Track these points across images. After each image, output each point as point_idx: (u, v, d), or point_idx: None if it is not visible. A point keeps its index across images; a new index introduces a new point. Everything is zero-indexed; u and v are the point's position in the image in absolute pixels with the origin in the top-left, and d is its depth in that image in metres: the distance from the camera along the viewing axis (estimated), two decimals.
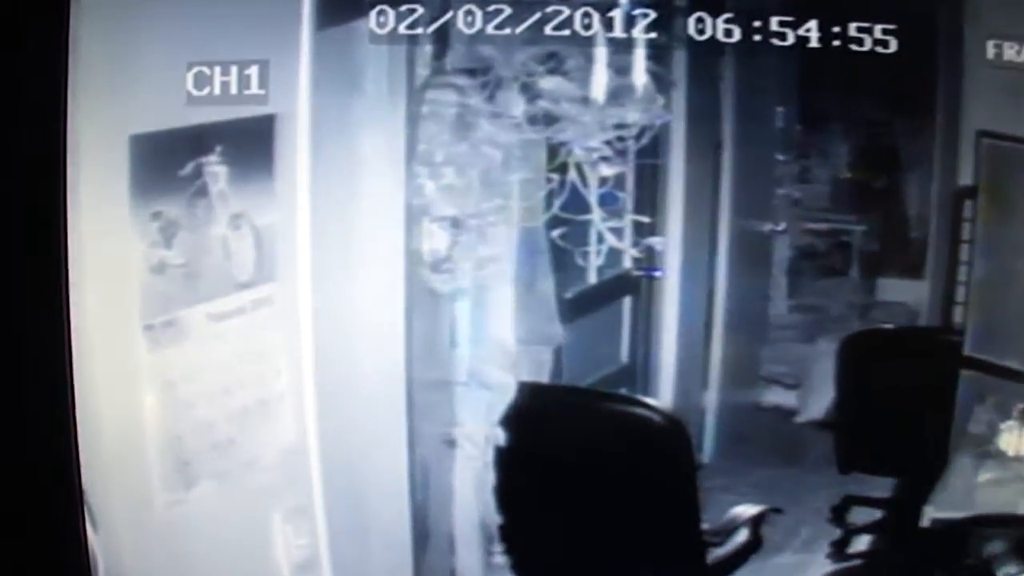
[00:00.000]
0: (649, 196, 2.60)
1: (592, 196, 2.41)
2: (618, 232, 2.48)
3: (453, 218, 2.27)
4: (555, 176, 2.38)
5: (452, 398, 2.32)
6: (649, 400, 2.43)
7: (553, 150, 2.37)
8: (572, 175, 2.38)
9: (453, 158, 2.25)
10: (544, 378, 2.42)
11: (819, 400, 2.56)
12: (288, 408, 2.12)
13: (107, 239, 1.98)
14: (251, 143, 2.06)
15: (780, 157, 2.67)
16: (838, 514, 2.40)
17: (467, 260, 2.29)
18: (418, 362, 2.25)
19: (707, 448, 2.65)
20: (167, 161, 2.01)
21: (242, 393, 2.08)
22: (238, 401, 2.08)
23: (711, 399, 2.68)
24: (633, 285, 2.68)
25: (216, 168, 2.04)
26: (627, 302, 2.72)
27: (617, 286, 2.68)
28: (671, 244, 2.62)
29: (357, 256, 2.18)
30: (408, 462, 2.24)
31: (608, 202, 2.45)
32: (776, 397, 2.68)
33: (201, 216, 2.04)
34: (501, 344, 2.33)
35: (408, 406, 2.24)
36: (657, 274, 2.63)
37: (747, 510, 2.35)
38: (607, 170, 2.39)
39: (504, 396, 2.31)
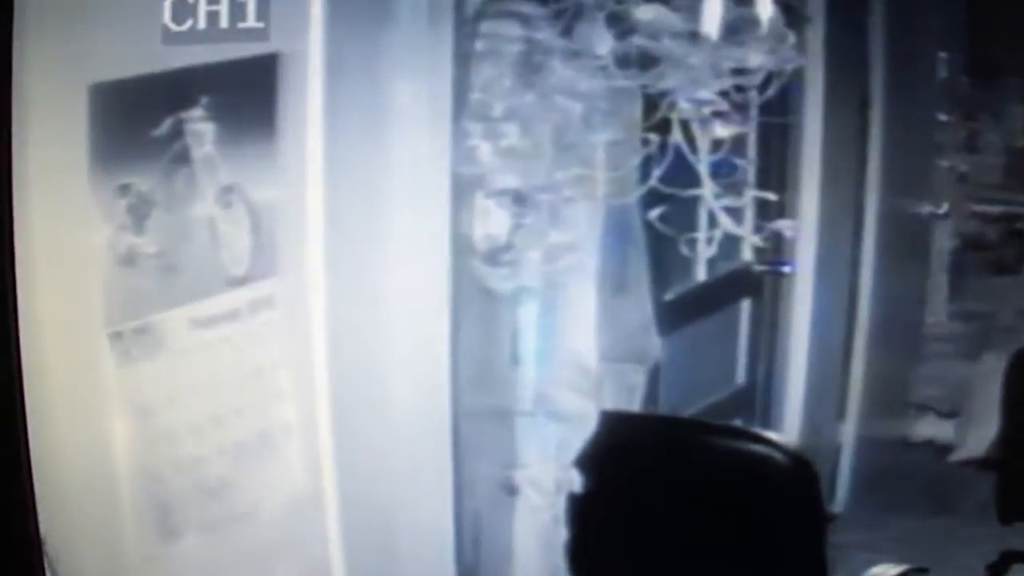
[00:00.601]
0: (776, 166, 2.54)
1: (702, 165, 2.29)
2: (735, 213, 2.36)
3: (516, 192, 2.16)
4: (653, 137, 2.26)
5: (512, 432, 2.25)
6: (770, 434, 2.35)
7: (651, 103, 2.27)
8: (676, 136, 2.25)
9: (516, 112, 2.16)
10: (635, 406, 2.36)
11: (981, 433, 2.55)
12: (296, 443, 2.08)
13: (62, 221, 1.94)
14: (247, 92, 2.02)
15: (942, 118, 2.64)
16: (995, 574, 2.38)
17: (534, 249, 2.19)
18: (468, 385, 2.17)
19: (840, 494, 2.61)
20: (138, 117, 1.97)
21: (237, 422, 2.05)
22: (232, 432, 2.04)
23: (848, 433, 2.64)
24: (753, 284, 2.60)
25: (201, 126, 1.99)
26: (745, 306, 2.64)
27: (733, 285, 2.60)
28: (804, 230, 2.56)
29: (386, 244, 2.11)
30: (454, 514, 2.19)
31: (723, 173, 2.31)
32: (928, 429, 2.65)
33: (182, 190, 2.00)
34: (579, 361, 2.25)
35: (454, 442, 2.16)
36: (785, 270, 2.57)
37: (887, 571, 2.31)
38: (722, 130, 2.27)
39: (581, 429, 2.24)
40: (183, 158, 1.98)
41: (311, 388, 2.06)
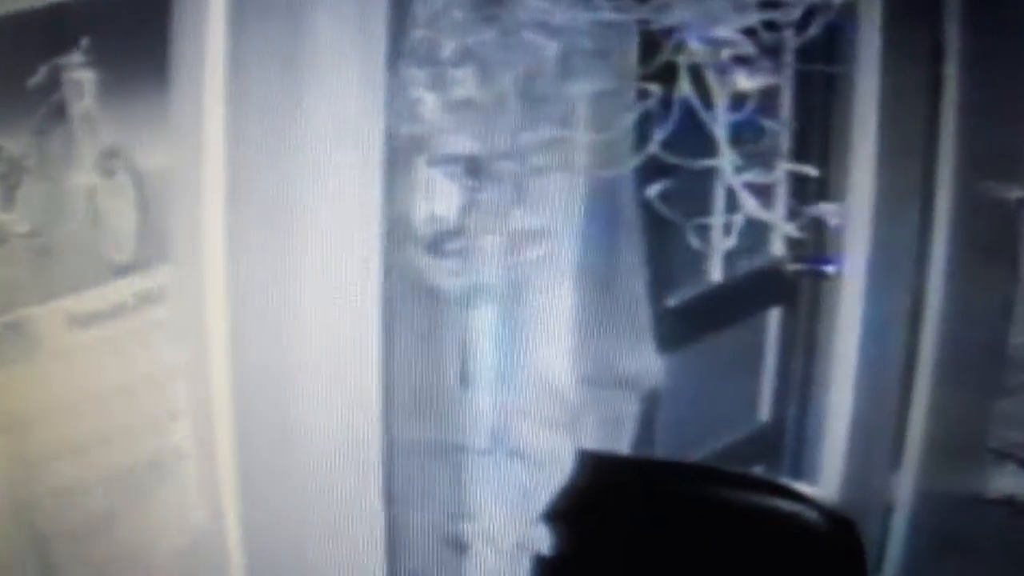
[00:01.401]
0: (818, 130, 2.43)
1: (719, 126, 2.11)
2: (763, 193, 2.18)
3: (470, 159, 2.05)
4: (654, 89, 2.09)
5: (462, 473, 2.15)
6: (801, 487, 2.24)
7: (651, 42, 2.12)
8: (684, 88, 2.08)
9: (472, 53, 2.05)
10: (624, 446, 2.23)
11: None
12: (192, 472, 2.07)
13: None
14: (134, 33, 2.01)
15: None
16: None
17: (493, 235, 2.08)
18: (404, 411, 2.09)
19: (891, 565, 2.58)
20: (4, 63, 1.94)
21: (124, 443, 2.03)
22: (119, 455, 2.03)
23: (904, 486, 2.60)
24: (786, 288, 2.55)
25: (80, 74, 1.97)
26: (773, 317, 2.53)
27: (757, 289, 2.48)
28: (854, 217, 2.47)
29: (302, 225, 2.04)
30: (386, 572, 2.12)
31: (746, 138, 2.15)
32: (1008, 482, 2.63)
33: (57, 154, 1.98)
34: (550, 384, 2.13)
35: (387, 483, 2.09)
36: (828, 270, 2.44)
37: None
38: (746, 81, 2.11)
39: (553, 473, 2.15)
40: (58, 113, 1.97)
41: (208, 405, 2.05)
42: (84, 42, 1.96)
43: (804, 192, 2.37)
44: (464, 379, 2.13)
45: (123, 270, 2.02)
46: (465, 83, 2.05)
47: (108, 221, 2.01)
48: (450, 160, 2.06)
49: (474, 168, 2.06)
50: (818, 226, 2.43)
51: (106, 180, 2.00)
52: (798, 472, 2.57)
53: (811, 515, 2.14)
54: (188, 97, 2.01)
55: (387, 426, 2.08)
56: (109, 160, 2.01)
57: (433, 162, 2.06)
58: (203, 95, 2.02)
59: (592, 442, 2.19)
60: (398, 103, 2.04)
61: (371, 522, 2.07)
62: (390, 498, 2.08)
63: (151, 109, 2.02)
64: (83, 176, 2.00)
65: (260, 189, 2.03)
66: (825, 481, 2.57)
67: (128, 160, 2.01)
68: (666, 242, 2.28)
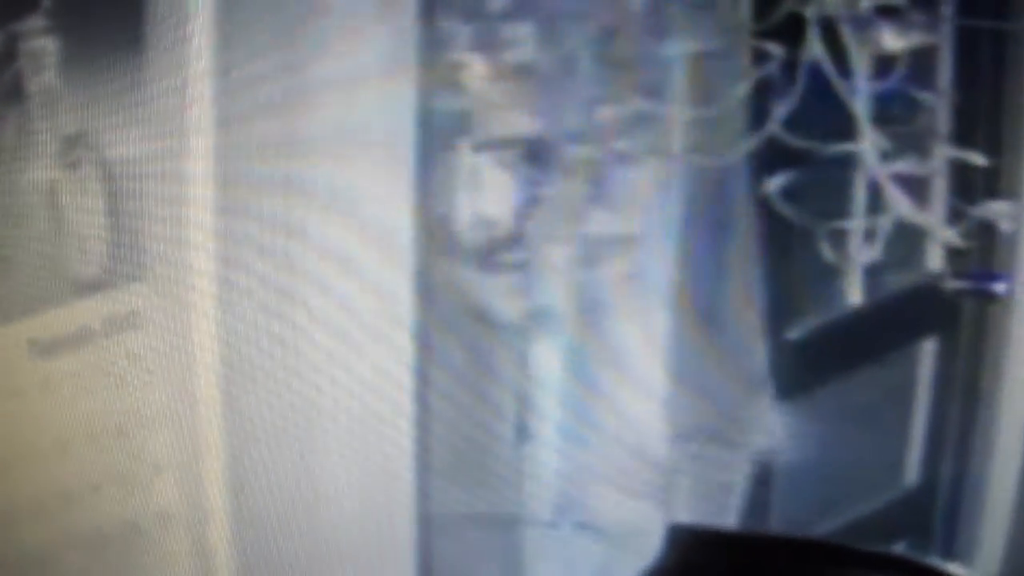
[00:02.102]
0: (987, 105, 2.26)
1: (859, 99, 2.01)
2: (916, 187, 2.10)
3: (530, 143, 1.90)
4: (773, 50, 2.00)
5: (519, 553, 2.05)
6: (956, 570, 1.80)
7: None
8: (814, 49, 1.98)
9: (531, 3, 1.93)
10: (730, 519, 2.11)
11: None
12: (180, 543, 1.93)
13: None
14: None
15: None
16: None
17: (561, 243, 1.95)
18: (444, 473, 1.97)
19: None
20: None
21: (96, 504, 1.92)
22: (90, 517, 1.91)
23: None
24: (943, 312, 2.37)
25: (39, 43, 1.92)
26: (927, 351, 2.37)
27: (907, 314, 2.35)
28: None
29: (311, 234, 1.91)
30: None
31: (895, 114, 2.05)
32: None
33: (10, 142, 1.91)
34: (635, 440, 2.00)
35: (422, 566, 1.98)
36: (999, 288, 2.31)
37: None
38: (893, 39, 2.03)
39: (636, 552, 1.85)
40: (14, 92, 1.92)
41: (196, 459, 1.92)
42: (46, 4, 1.91)
43: (968, 187, 2.24)
44: (522, 432, 2.02)
45: (90, 288, 1.91)
46: (522, 42, 1.95)
47: (71, 226, 1.92)
48: (504, 144, 1.94)
49: (536, 155, 1.94)
50: (986, 232, 2.27)
51: (69, 174, 1.91)
52: (950, 550, 2.46)
53: None
54: (168, 72, 1.90)
55: (423, 493, 1.96)
56: (73, 149, 1.92)
57: (481, 147, 1.93)
58: (187, 69, 1.92)
59: (689, 514, 2.10)
60: (434, 69, 1.94)
61: None
62: None
63: (124, 86, 1.90)
64: (41, 169, 1.90)
65: (258, 187, 1.91)
66: (986, 562, 2.45)
67: (96, 149, 1.92)
68: (789, 253, 2.16)
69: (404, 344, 1.93)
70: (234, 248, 1.93)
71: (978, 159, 2.19)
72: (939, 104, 2.16)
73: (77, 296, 1.96)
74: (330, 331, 1.94)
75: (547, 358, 2.01)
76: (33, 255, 1.92)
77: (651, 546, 1.88)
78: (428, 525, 1.99)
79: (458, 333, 1.98)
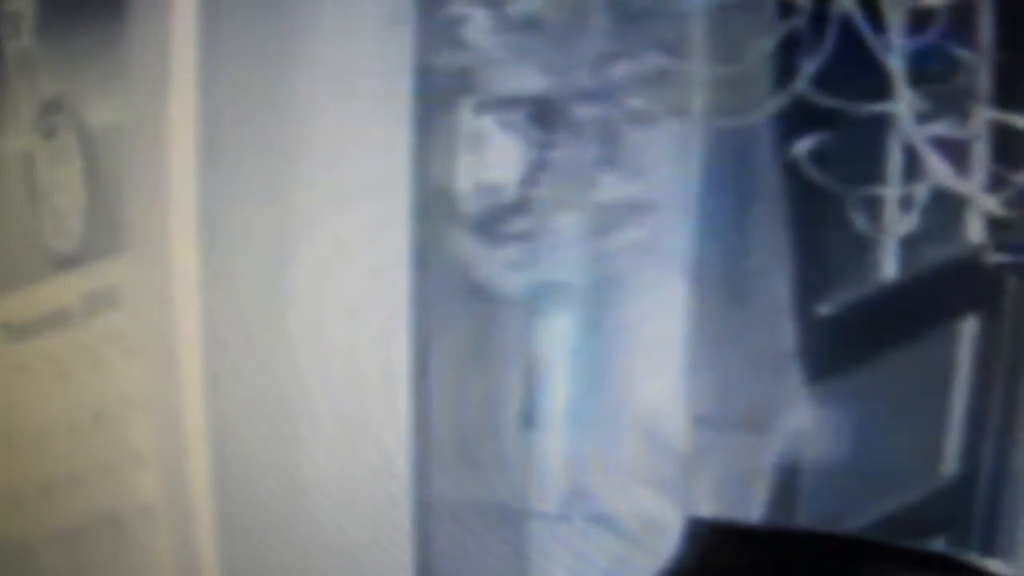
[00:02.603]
0: None
1: (894, 56, 1.88)
2: (955, 151, 1.93)
3: (537, 102, 1.83)
4: (802, 2, 1.89)
5: (525, 547, 1.94)
6: (999, 567, 1.66)
7: None
8: (844, 1, 1.87)
9: None
10: (754, 511, 1.99)
11: None
12: (163, 537, 1.97)
13: None
14: None
15: None
16: None
17: (571, 210, 1.86)
18: (443, 462, 1.91)
19: None
20: None
21: (73, 495, 1.98)
22: (66, 510, 1.96)
23: None
24: (985, 288, 2.16)
25: (16, 5, 1.97)
26: (967, 330, 2.20)
27: (946, 289, 2.14)
28: None
29: (302, 200, 1.90)
30: None
31: (933, 72, 1.91)
32: None
33: None
34: (651, 425, 1.90)
35: (419, 562, 1.91)
36: None
37: None
38: None
39: (653, 548, 1.90)
40: None
41: (180, 447, 1.94)
42: None
43: (1012, 152, 2.03)
44: (528, 418, 1.92)
45: (68, 263, 1.95)
46: None
47: (48, 196, 1.96)
48: (508, 104, 1.86)
49: (543, 114, 1.85)
50: None
51: (47, 142, 1.94)
52: (991, 546, 2.30)
53: None
54: (150, 34, 1.94)
55: (421, 482, 1.90)
56: (51, 115, 1.95)
57: (484, 107, 1.86)
58: (169, 31, 1.94)
59: (710, 506, 2.00)
60: (432, 22, 1.88)
61: None
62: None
63: (104, 50, 1.96)
64: (17, 137, 1.95)
65: (244, 153, 1.90)
66: None
67: (74, 116, 1.95)
68: (818, 222, 2.01)
69: (401, 322, 1.88)
70: (219, 218, 1.92)
71: (1022, 122, 2.05)
72: (980, 62, 2.00)
73: (53, 272, 1.97)
74: (321, 306, 1.90)
75: (555, 336, 1.93)
76: (5, 230, 1.97)
77: (668, 542, 2.07)
78: (427, 517, 1.93)
79: (459, 309, 1.91)
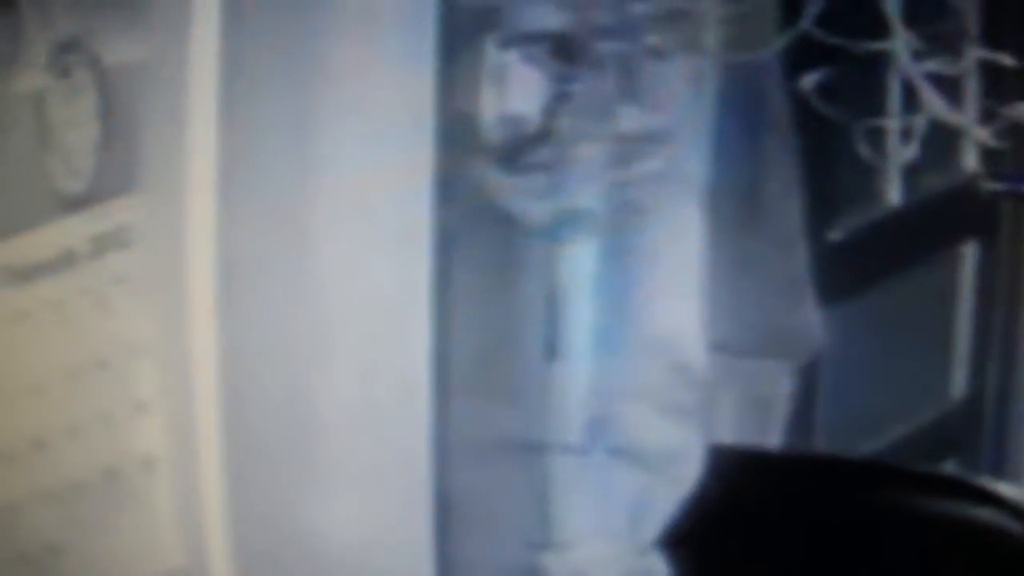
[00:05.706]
0: (1020, 8, 2.27)
1: None
2: (950, 87, 2.07)
3: (558, 37, 1.83)
4: None
5: (546, 481, 1.93)
6: (1006, 489, 2.06)
7: None
8: None
9: None
10: (773, 437, 2.06)
11: None
12: (166, 491, 1.91)
13: None
14: None
15: None
16: None
17: (591, 141, 1.85)
18: (463, 395, 1.86)
19: None
20: None
21: (71, 449, 1.94)
22: (64, 465, 1.94)
23: None
24: (982, 215, 2.34)
25: None
26: (968, 256, 2.36)
27: (946, 216, 2.32)
28: None
29: (321, 137, 1.82)
30: None
31: (926, 11, 2.03)
32: None
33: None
34: (671, 355, 1.91)
35: (438, 500, 1.85)
36: None
37: None
38: None
39: (675, 479, 1.94)
40: None
41: (188, 394, 1.87)
42: None
43: (1001, 88, 2.21)
44: (550, 349, 1.92)
45: (76, 203, 1.89)
46: None
47: (61, 136, 1.90)
48: (531, 39, 1.86)
49: (564, 49, 1.85)
50: (1020, 133, 2.25)
51: (60, 81, 1.89)
52: (1001, 467, 2.40)
53: (1017, 527, 2.00)
54: None
55: (441, 415, 1.84)
56: (66, 54, 1.90)
57: (507, 42, 1.85)
58: None
59: (730, 433, 2.04)
60: None
61: (415, 556, 1.86)
62: (444, 520, 1.85)
63: None
64: (31, 77, 1.90)
65: (266, 88, 1.82)
66: None
67: (90, 54, 1.89)
68: (826, 152, 2.14)
69: (422, 250, 1.84)
70: (237, 152, 1.86)
71: (1008, 60, 2.20)
72: (968, 4, 2.19)
73: (62, 214, 1.93)
74: (341, 237, 1.86)
75: (576, 265, 1.92)
76: (13, 170, 1.92)
77: (690, 470, 1.93)
78: (446, 451, 1.89)
79: (481, 238, 1.90)
